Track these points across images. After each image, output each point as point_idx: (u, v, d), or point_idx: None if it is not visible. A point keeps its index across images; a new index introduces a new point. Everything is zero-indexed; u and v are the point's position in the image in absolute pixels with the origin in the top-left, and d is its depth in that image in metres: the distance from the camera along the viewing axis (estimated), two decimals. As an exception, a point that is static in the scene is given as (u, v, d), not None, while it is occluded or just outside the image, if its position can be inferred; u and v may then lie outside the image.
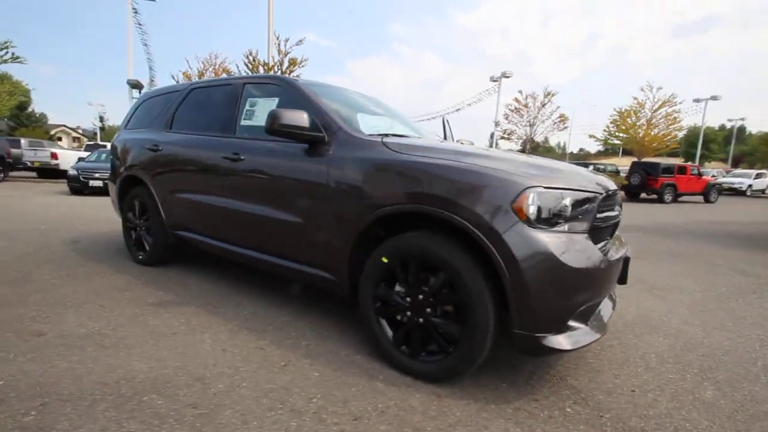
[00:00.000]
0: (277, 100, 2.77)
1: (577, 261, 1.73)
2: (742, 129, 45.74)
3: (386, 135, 2.37)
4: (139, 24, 16.87)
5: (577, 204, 1.81)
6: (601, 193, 1.94)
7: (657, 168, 16.30)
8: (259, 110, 2.86)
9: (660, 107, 18.42)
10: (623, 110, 20.01)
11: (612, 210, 2.13)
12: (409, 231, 2.05)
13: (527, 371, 2.13)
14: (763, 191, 23.84)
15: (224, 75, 14.43)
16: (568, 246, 1.73)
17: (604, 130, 22.31)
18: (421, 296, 1.97)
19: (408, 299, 2.01)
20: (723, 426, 1.75)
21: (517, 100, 22.68)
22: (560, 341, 1.75)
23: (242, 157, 2.75)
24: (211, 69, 16.09)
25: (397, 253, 2.02)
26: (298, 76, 12.80)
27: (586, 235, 1.83)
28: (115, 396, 1.74)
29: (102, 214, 6.91)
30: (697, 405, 1.90)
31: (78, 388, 1.78)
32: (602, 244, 1.99)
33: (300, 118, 2.33)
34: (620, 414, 1.80)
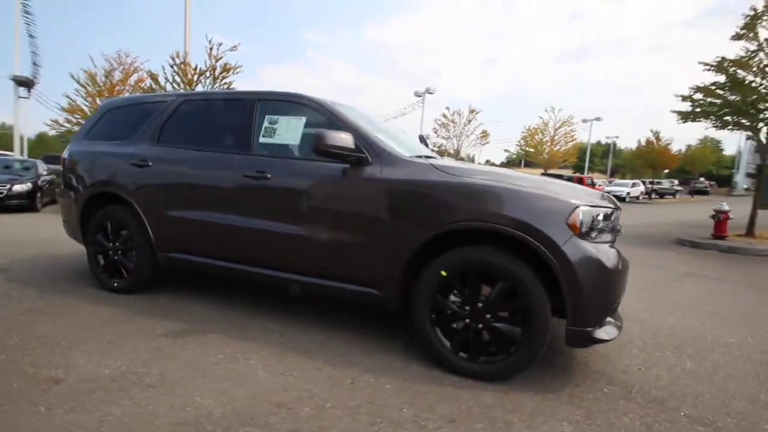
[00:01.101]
0: (304, 119, 2.78)
1: (613, 265, 2.12)
2: (615, 145, 55.11)
3: (427, 157, 2.57)
4: (27, 13, 14.30)
5: (606, 218, 2.21)
6: (617, 208, 2.38)
7: (561, 178, 18.89)
8: (282, 128, 2.82)
9: (561, 126, 21.43)
10: (531, 128, 22.94)
11: (618, 221, 2.60)
12: (458, 247, 2.26)
13: (558, 363, 2.47)
14: (637, 197, 28.88)
15: (142, 77, 13.01)
16: (606, 253, 2.11)
17: (517, 144, 25.21)
18: (480, 304, 2.19)
19: (467, 308, 2.22)
20: (709, 387, 2.27)
21: (444, 115, 24.40)
22: (602, 334, 2.11)
23: (268, 176, 2.69)
24: (120, 69, 14.44)
25: (456, 267, 2.22)
26: (230, 84, 12.20)
27: (611, 243, 2.24)
28: (205, 435, 1.64)
29: (24, 236, 5.83)
30: (686, 374, 2.41)
31: (159, 433, 1.63)
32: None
33: (346, 139, 2.40)
34: (642, 388, 2.22)
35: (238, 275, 2.95)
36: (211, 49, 11.52)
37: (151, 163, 3.13)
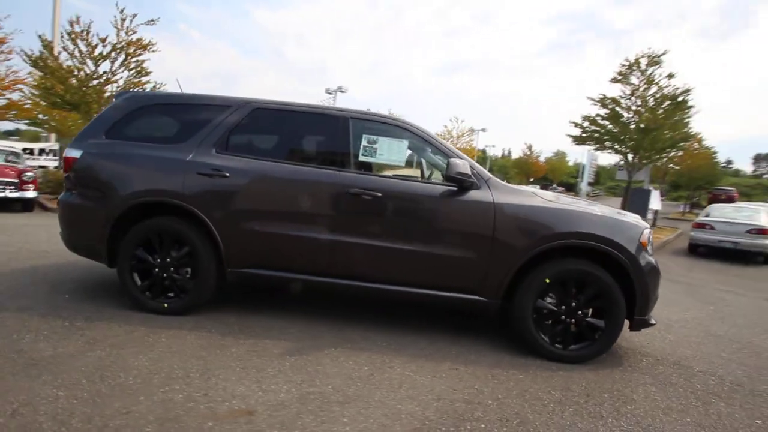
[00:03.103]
0: (407, 142, 3.00)
1: (659, 271, 2.94)
2: (485, 152, 63.58)
3: (525, 184, 3.06)
4: None
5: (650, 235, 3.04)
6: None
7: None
8: (383, 149, 2.98)
9: (462, 136, 23.89)
10: (437, 135, 25.03)
11: None
12: (550, 260, 2.83)
13: (615, 348, 3.18)
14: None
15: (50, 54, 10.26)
16: (656, 262, 2.93)
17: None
18: (573, 304, 2.80)
19: (563, 307, 2.81)
20: (721, 351, 3.28)
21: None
22: (652, 320, 2.92)
23: (378, 194, 2.85)
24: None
25: (557, 275, 2.78)
26: (142, 62, 10.63)
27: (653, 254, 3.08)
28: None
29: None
30: (701, 348, 3.37)
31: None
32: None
33: (467, 167, 2.76)
34: (679, 361, 3.06)
35: (324, 288, 3.01)
36: (123, 20, 9.86)
37: (228, 174, 2.92)
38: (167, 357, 2.38)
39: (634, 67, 10.67)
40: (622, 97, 10.83)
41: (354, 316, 3.31)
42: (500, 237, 2.80)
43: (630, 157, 11.18)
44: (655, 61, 10.25)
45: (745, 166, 71.82)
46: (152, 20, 10.41)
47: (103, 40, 9.74)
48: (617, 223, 2.85)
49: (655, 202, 13.38)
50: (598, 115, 11.33)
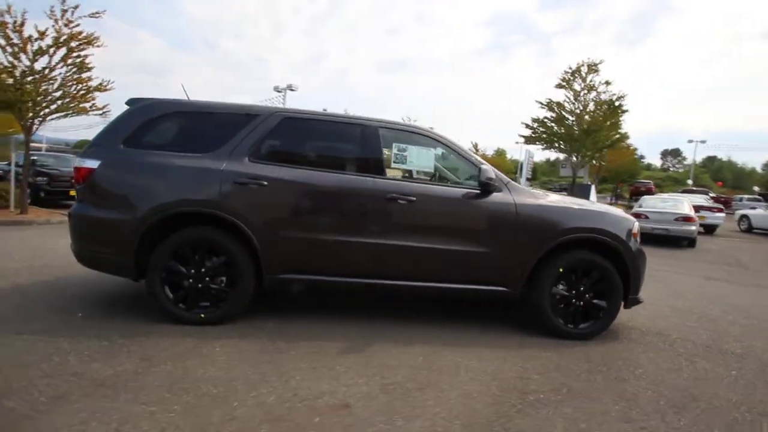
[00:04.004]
0: (433, 151, 3.25)
1: (645, 256, 3.47)
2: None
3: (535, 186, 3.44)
4: None
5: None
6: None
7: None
8: (413, 156, 3.21)
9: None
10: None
11: None
12: (562, 252, 3.25)
13: (615, 325, 3.66)
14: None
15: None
16: (642, 249, 3.45)
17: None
18: (582, 287, 3.24)
19: (573, 292, 3.23)
20: (686, 321, 3.91)
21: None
22: (642, 298, 3.44)
23: (413, 198, 3.07)
24: None
25: (568, 264, 3.20)
26: (86, 57, 9.78)
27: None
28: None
29: None
30: (671, 320, 3.99)
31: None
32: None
33: (493, 172, 3.08)
34: (659, 332, 3.60)
35: (359, 289, 3.19)
36: (64, 12, 8.98)
37: (266, 183, 2.97)
38: (234, 365, 2.42)
39: (576, 74, 11.86)
40: (566, 101, 12.01)
41: (380, 313, 3.50)
42: (522, 233, 3.15)
43: (574, 156, 12.44)
44: (593, 69, 11.53)
45: (655, 161, 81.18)
46: (97, 12, 9.61)
47: (42, 34, 8.80)
48: (614, 217, 3.35)
49: (593, 195, 14.93)
50: (545, 117, 12.41)
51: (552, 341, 3.14)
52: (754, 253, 10.07)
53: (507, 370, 2.59)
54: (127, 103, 3.26)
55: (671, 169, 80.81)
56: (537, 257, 3.16)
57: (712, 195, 24.19)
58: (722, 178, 54.24)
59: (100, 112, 10.95)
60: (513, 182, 3.32)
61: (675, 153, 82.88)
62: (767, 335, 3.69)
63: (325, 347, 2.75)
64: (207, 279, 2.99)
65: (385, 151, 3.26)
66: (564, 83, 12.02)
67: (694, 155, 43.92)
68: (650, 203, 11.24)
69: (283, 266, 3.05)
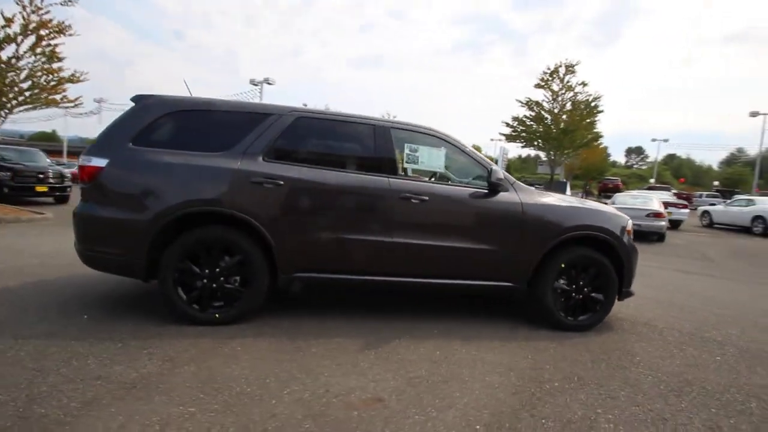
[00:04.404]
0: (443, 151, 3.34)
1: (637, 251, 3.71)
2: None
3: (536, 186, 3.60)
4: None
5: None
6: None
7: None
8: (424, 156, 3.29)
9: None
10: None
11: None
12: (563, 248, 3.43)
13: (608, 317, 3.89)
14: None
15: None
16: (634, 245, 3.69)
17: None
18: (581, 281, 3.43)
19: (573, 286, 3.42)
20: (669, 312, 4.19)
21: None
22: (632, 291, 3.68)
23: (425, 197, 3.16)
24: None
25: (570, 260, 3.38)
26: (55, 46, 9.29)
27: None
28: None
29: None
30: (656, 311, 4.26)
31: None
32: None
33: (501, 172, 3.21)
34: (647, 322, 3.86)
35: (372, 286, 3.26)
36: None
37: (282, 182, 2.98)
38: (258, 364, 2.44)
39: (554, 75, 12.29)
40: (545, 101, 12.45)
41: (384, 310, 3.58)
42: (528, 231, 3.31)
43: (552, 154, 12.92)
44: (570, 70, 11.99)
45: (620, 158, 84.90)
46: (69, 0, 9.13)
47: (9, 21, 8.28)
48: (610, 215, 3.55)
49: (568, 192, 15.56)
50: (525, 116, 12.80)
51: (554, 333, 3.32)
52: (717, 248, 10.79)
53: (520, 362, 2.74)
54: (132, 100, 3.18)
55: (635, 166, 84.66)
56: (542, 254, 3.32)
57: (674, 192, 25.62)
58: (682, 175, 57.41)
59: (72, 104, 10.47)
60: (519, 182, 3.46)
61: (638, 151, 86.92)
62: (740, 324, 4.02)
63: (344, 344, 2.81)
64: (221, 279, 2.98)
65: (396, 151, 3.34)
66: (543, 83, 12.45)
67: (657, 153, 46.21)
68: (622, 200, 11.83)
69: (298, 265, 3.07)
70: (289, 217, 3.03)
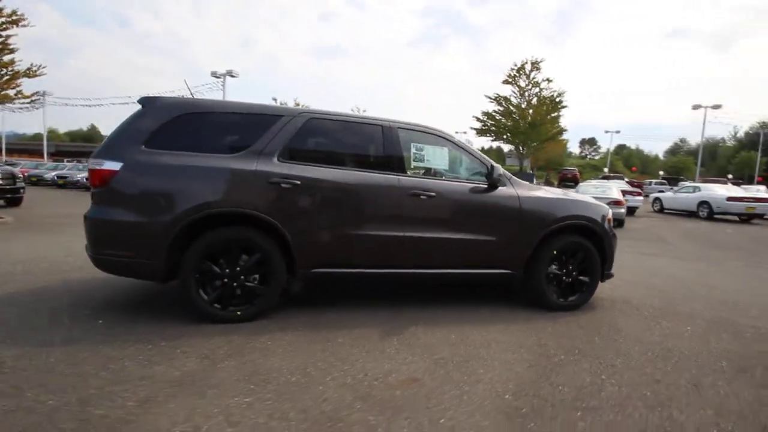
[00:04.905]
0: (447, 149, 3.56)
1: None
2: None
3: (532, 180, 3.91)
4: None
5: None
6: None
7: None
8: (429, 155, 3.50)
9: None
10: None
11: None
12: (555, 236, 3.77)
13: (593, 298, 4.30)
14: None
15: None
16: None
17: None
18: (570, 266, 3.78)
19: (564, 270, 3.77)
20: (640, 290, 4.66)
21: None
22: (612, 273, 4.10)
23: (433, 194, 3.37)
24: None
25: (561, 247, 3.72)
26: (8, 38, 8.66)
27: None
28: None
29: None
30: (629, 290, 4.75)
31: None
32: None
33: (501, 169, 3.48)
34: (624, 300, 4.34)
35: (384, 278, 3.46)
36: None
37: (299, 182, 3.08)
38: (293, 355, 2.58)
39: (521, 71, 12.87)
40: (512, 96, 13.03)
41: (389, 300, 3.79)
42: (525, 222, 3.61)
43: (521, 147, 13.55)
44: (536, 67, 12.62)
45: (575, 149, 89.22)
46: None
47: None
48: (593, 206, 3.93)
49: (535, 182, 16.36)
50: (494, 111, 13.33)
51: (548, 314, 3.66)
52: (671, 231, 11.83)
53: (527, 340, 3.03)
54: (140, 102, 3.16)
55: (588, 156, 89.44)
56: (536, 242, 3.64)
57: (627, 180, 27.45)
58: (632, 165, 61.42)
59: (28, 100, 9.81)
60: (514, 177, 3.76)
61: (591, 142, 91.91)
62: (702, 299, 4.56)
63: (366, 333, 2.99)
64: (242, 277, 3.06)
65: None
66: (510, 79, 13.02)
67: (610, 144, 49.25)
68: (584, 189, 12.66)
69: (315, 261, 3.21)
70: (307, 216, 3.15)
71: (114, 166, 2.89)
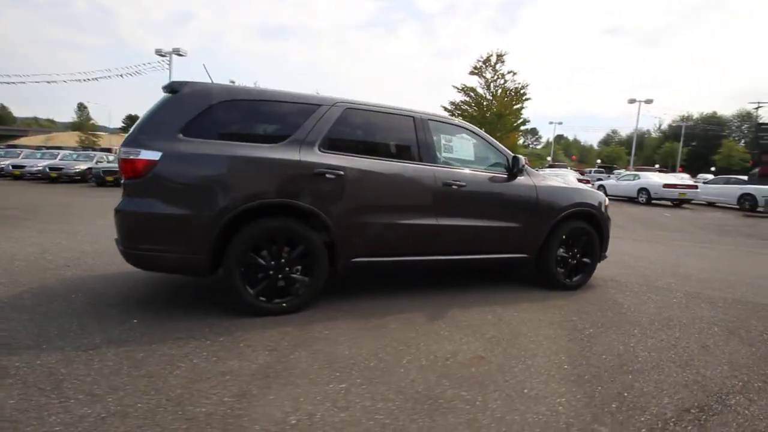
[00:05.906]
0: (473, 141, 3.74)
1: (607, 222, 4.59)
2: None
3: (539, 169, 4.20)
4: None
5: (601, 201, 4.64)
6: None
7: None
8: (457, 146, 3.66)
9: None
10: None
11: None
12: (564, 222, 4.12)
13: (594, 279, 4.75)
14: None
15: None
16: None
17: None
18: (575, 249, 4.17)
19: (570, 252, 4.15)
20: (622, 269, 5.20)
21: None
22: (606, 255, 4.56)
23: (464, 184, 3.54)
24: None
25: (569, 232, 4.09)
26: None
27: None
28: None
29: None
30: (614, 270, 5.27)
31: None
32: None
33: (524, 160, 3.74)
34: (613, 279, 4.85)
35: (419, 265, 3.61)
36: None
37: (343, 172, 3.10)
38: (358, 342, 2.67)
39: (487, 63, 13.39)
40: (479, 87, 13.55)
41: (416, 285, 3.96)
42: (540, 209, 3.91)
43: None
44: (501, 59, 13.19)
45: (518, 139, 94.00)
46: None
47: None
48: (594, 194, 4.34)
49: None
50: (462, 101, 13.79)
51: (557, 293, 4.03)
52: (619, 216, 13.04)
53: (555, 317, 3.35)
54: (168, 88, 2.98)
55: (530, 146, 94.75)
56: (550, 228, 3.97)
57: (573, 169, 29.65)
58: (572, 154, 66.06)
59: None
60: (530, 168, 4.04)
61: (533, 132, 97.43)
62: (672, 275, 5.20)
63: (412, 318, 3.13)
64: (287, 269, 3.05)
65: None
66: (476, 71, 13.51)
67: (553, 134, 52.64)
68: (546, 178, 13.61)
69: (357, 251, 3.27)
70: (349, 206, 3.19)
71: (153, 155, 2.73)
